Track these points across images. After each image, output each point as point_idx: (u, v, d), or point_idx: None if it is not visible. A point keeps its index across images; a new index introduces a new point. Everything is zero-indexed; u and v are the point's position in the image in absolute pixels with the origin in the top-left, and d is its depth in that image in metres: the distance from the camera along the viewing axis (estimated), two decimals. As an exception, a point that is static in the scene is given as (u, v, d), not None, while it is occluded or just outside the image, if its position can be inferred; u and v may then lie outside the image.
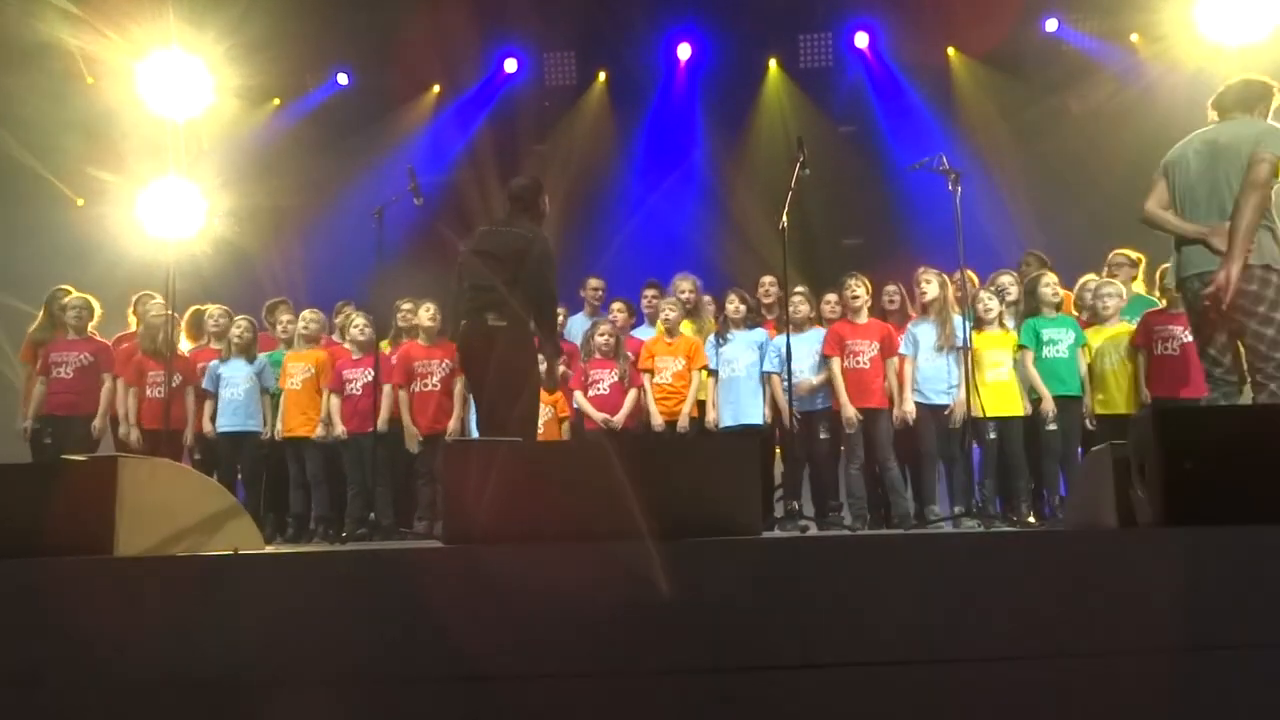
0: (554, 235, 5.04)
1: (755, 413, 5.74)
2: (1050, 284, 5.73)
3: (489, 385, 4.53)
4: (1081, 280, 6.00)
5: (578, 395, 5.92)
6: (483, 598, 2.01)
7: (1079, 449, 5.51)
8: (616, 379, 5.90)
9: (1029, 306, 5.79)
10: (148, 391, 6.04)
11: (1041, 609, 1.99)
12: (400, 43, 8.93)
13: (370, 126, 9.40)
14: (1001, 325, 5.72)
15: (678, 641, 1.97)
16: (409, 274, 6.63)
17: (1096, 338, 5.63)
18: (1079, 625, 1.98)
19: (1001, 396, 5.54)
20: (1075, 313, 5.89)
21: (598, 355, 5.94)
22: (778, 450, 6.00)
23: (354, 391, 5.98)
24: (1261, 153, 3.77)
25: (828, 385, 5.69)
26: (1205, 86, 4.29)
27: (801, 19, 9.53)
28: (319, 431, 6.00)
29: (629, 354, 6.03)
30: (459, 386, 5.83)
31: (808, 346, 5.76)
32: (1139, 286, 6.08)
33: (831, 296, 5.93)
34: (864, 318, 5.80)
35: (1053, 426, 5.46)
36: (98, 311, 6.15)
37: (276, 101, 9.55)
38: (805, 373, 5.72)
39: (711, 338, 5.99)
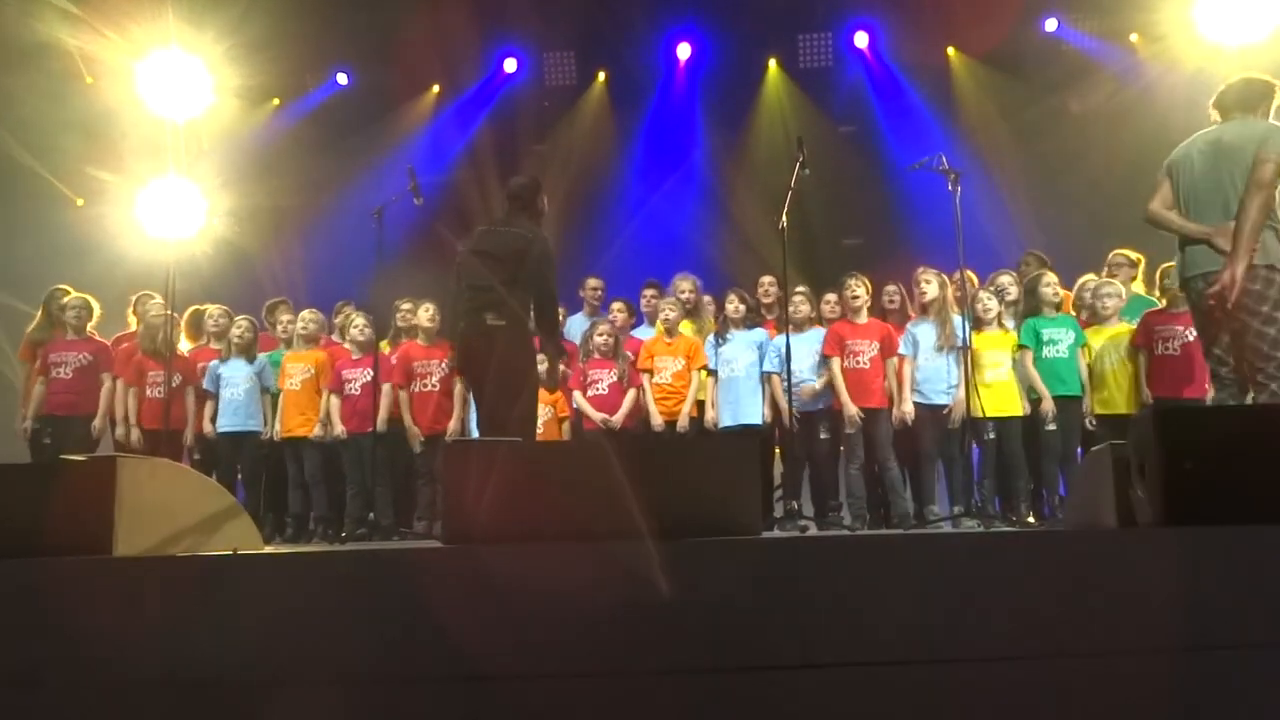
0: (553, 235, 5.05)
1: (755, 413, 5.74)
2: (1051, 284, 5.73)
3: (488, 385, 4.53)
4: (1081, 280, 6.00)
5: (577, 395, 5.92)
6: (482, 598, 2.00)
7: (1079, 449, 5.51)
8: (615, 379, 5.90)
9: (1029, 306, 5.78)
10: (147, 391, 6.04)
11: (1041, 609, 1.99)
12: (400, 43, 8.92)
13: (370, 126, 9.40)
14: (1001, 325, 5.72)
15: (677, 641, 1.97)
16: (409, 274, 6.63)
17: (1096, 338, 5.63)
18: (1079, 625, 1.98)
19: (1001, 396, 5.54)
20: (1074, 313, 5.89)
21: (596, 355, 5.94)
22: (777, 450, 6.00)
23: (353, 391, 5.98)
24: (1266, 153, 3.77)
25: (829, 386, 5.69)
26: (1205, 86, 4.29)
27: (801, 19, 9.53)
28: (317, 431, 6.00)
29: (628, 354, 6.03)
30: (458, 387, 5.83)
31: (807, 346, 5.76)
32: (1138, 287, 6.08)
33: (831, 296, 5.94)
34: (864, 318, 5.80)
35: (1052, 426, 5.47)
36: (97, 311, 6.16)
37: (276, 101, 9.55)
38: (805, 372, 5.71)
39: (711, 338, 5.99)
